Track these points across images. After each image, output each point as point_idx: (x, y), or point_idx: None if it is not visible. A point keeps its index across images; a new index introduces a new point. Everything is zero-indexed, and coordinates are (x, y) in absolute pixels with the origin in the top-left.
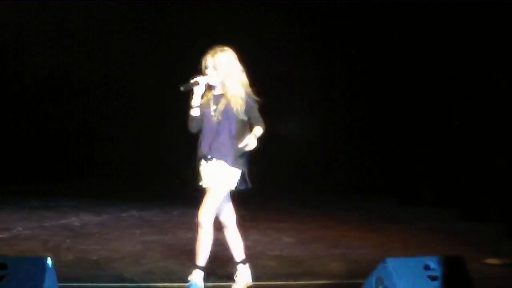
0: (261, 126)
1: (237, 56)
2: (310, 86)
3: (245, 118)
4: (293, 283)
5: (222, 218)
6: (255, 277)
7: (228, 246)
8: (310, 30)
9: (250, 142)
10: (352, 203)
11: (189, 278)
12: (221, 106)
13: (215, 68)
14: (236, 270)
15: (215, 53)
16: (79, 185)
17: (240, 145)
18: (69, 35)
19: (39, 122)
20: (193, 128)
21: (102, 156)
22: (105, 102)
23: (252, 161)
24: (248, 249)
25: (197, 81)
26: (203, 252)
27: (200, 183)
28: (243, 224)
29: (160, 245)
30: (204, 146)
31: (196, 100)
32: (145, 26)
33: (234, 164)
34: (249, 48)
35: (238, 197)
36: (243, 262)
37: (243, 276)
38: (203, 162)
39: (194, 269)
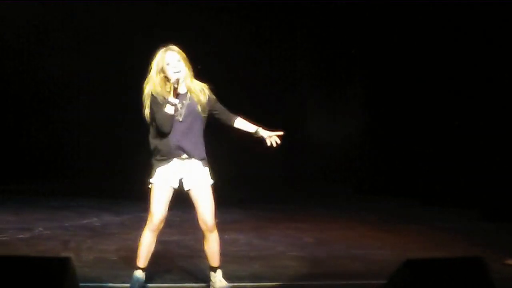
0: (234, 115)
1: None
2: (327, 87)
3: (205, 115)
4: (313, 284)
5: (162, 218)
6: (276, 278)
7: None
8: (312, 30)
9: (271, 135)
10: (372, 203)
11: (212, 279)
12: (190, 105)
13: (179, 60)
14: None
15: (172, 47)
16: (99, 185)
17: (269, 142)
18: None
19: (59, 122)
20: (168, 127)
21: (123, 156)
22: (122, 103)
23: (272, 162)
24: (268, 249)
25: (179, 78)
26: (218, 253)
27: (154, 182)
28: (263, 224)
29: (180, 246)
30: (179, 145)
31: (174, 98)
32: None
33: (206, 162)
34: (250, 50)
35: (257, 198)
36: (143, 269)
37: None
38: (175, 162)
39: (213, 271)
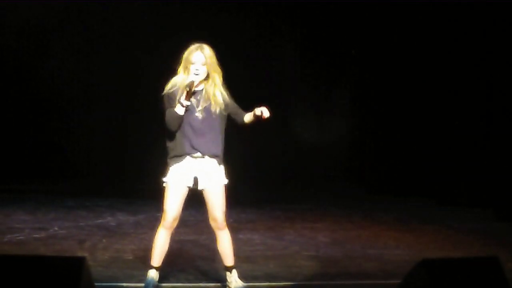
0: (243, 112)
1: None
2: (329, 85)
3: (225, 114)
4: (328, 283)
5: (176, 216)
6: (291, 277)
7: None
8: (312, 30)
9: (265, 110)
10: (388, 203)
11: (228, 279)
12: (205, 103)
13: (204, 63)
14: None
15: (203, 48)
16: (114, 185)
17: (257, 113)
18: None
19: (75, 121)
20: (175, 127)
21: (138, 156)
22: (136, 103)
23: (285, 162)
24: (283, 249)
25: (193, 81)
26: (231, 252)
27: (168, 180)
28: (278, 224)
29: (195, 245)
30: (192, 143)
31: (187, 99)
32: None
33: (222, 161)
34: (250, 49)
35: (273, 197)
36: (157, 269)
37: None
38: (188, 160)
39: (228, 271)
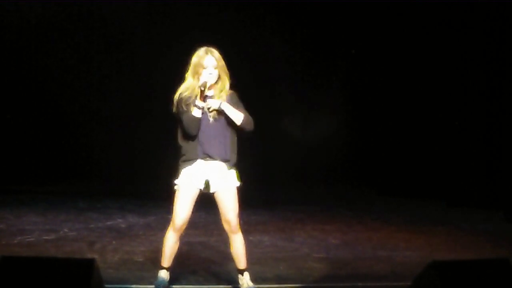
0: (245, 116)
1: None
2: (341, 85)
3: None
4: (339, 285)
5: (186, 220)
6: (301, 279)
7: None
8: (310, 30)
9: (213, 103)
10: (398, 205)
11: (240, 281)
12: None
13: (215, 67)
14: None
15: (213, 52)
16: (125, 187)
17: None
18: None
19: (86, 124)
20: (195, 130)
21: (149, 158)
22: (148, 104)
23: (294, 163)
24: (293, 250)
25: (206, 82)
26: (244, 255)
27: (179, 183)
28: (288, 225)
29: (205, 247)
30: (204, 147)
31: (201, 101)
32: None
33: (234, 164)
34: (248, 49)
35: (283, 199)
36: (167, 269)
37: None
38: (199, 163)
39: (240, 273)
